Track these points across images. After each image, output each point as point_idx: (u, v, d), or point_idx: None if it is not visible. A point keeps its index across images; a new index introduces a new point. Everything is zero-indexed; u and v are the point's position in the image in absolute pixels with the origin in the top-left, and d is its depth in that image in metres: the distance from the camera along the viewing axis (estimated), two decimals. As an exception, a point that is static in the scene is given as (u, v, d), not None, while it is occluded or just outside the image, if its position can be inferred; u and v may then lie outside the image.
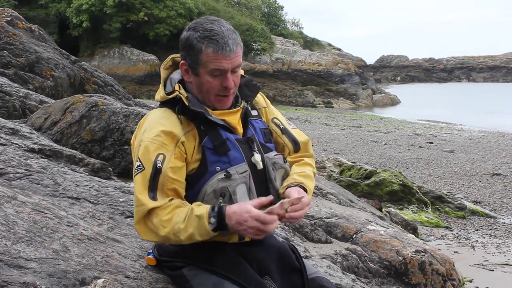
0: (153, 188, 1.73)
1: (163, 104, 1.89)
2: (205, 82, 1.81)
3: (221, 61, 1.76)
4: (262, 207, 1.71)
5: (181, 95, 1.82)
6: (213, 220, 1.67)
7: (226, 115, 1.88)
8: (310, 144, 2.11)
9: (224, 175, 1.78)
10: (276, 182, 1.91)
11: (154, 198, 1.73)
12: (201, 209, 1.70)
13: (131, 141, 1.92)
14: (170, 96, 1.84)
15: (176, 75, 1.94)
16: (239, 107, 1.92)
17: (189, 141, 1.80)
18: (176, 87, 1.85)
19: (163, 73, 1.96)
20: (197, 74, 1.83)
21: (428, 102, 36.08)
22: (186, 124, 1.82)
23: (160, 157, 1.74)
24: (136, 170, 1.77)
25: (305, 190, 1.88)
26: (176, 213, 1.71)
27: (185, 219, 1.69)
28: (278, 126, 2.04)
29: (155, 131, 1.78)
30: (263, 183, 1.88)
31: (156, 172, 1.73)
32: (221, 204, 1.73)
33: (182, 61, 1.86)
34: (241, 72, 1.96)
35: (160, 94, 1.90)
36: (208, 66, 1.78)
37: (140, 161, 1.76)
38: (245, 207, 1.67)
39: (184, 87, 1.89)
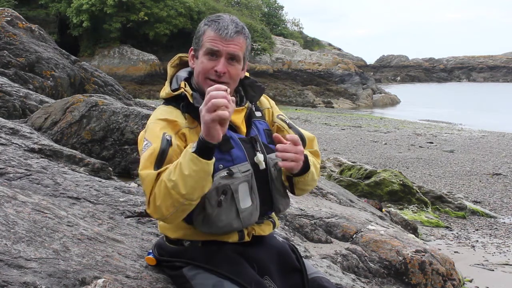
0: (160, 162, 1.70)
1: (167, 102, 1.90)
2: (199, 63, 1.85)
3: (216, 42, 1.81)
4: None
5: (186, 92, 1.83)
6: (194, 144, 1.64)
7: None
8: (315, 141, 2.12)
9: (227, 173, 1.78)
10: (278, 183, 1.92)
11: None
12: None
13: (138, 139, 1.91)
14: (176, 93, 1.85)
15: (183, 73, 1.95)
16: (243, 107, 1.93)
17: (193, 136, 1.80)
18: (182, 85, 1.86)
19: (169, 71, 1.98)
20: (197, 57, 1.87)
21: (428, 102, 36.06)
22: (190, 121, 1.83)
23: (167, 134, 1.75)
24: (143, 149, 1.76)
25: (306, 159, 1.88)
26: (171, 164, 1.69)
27: (176, 164, 1.66)
28: (284, 121, 2.05)
29: (160, 117, 1.81)
30: (265, 183, 1.89)
31: (167, 145, 1.72)
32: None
33: (191, 48, 1.91)
34: (246, 74, 1.97)
35: (165, 90, 1.91)
36: (205, 46, 1.82)
37: (147, 140, 1.76)
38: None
39: (190, 86, 1.90)
